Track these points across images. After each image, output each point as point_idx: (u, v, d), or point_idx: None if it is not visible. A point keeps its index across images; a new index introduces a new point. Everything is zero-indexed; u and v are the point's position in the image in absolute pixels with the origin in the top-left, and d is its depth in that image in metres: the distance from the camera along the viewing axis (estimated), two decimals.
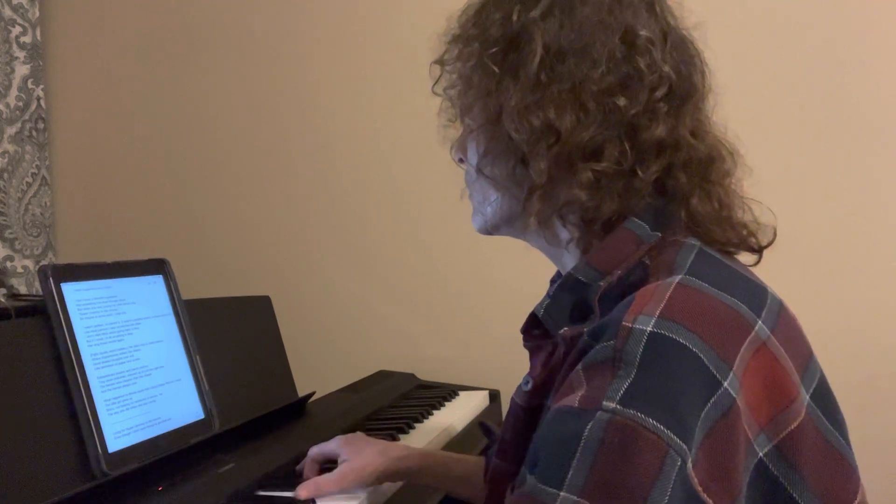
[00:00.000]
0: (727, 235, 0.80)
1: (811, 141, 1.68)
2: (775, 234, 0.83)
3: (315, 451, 1.08)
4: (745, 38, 1.68)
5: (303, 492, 0.96)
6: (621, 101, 0.74)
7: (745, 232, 0.81)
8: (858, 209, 1.66)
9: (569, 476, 0.61)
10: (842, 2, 1.66)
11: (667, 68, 0.76)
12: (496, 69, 0.76)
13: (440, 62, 0.83)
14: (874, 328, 1.65)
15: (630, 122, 0.74)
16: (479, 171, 0.81)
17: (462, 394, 1.68)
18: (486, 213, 0.84)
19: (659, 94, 0.75)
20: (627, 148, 0.75)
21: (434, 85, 0.85)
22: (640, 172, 0.75)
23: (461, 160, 0.86)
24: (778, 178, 1.64)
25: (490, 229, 0.85)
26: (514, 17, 0.76)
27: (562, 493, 0.61)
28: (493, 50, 0.77)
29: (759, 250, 0.82)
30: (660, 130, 0.75)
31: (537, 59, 0.74)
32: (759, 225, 0.82)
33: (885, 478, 1.56)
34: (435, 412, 1.50)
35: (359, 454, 1.03)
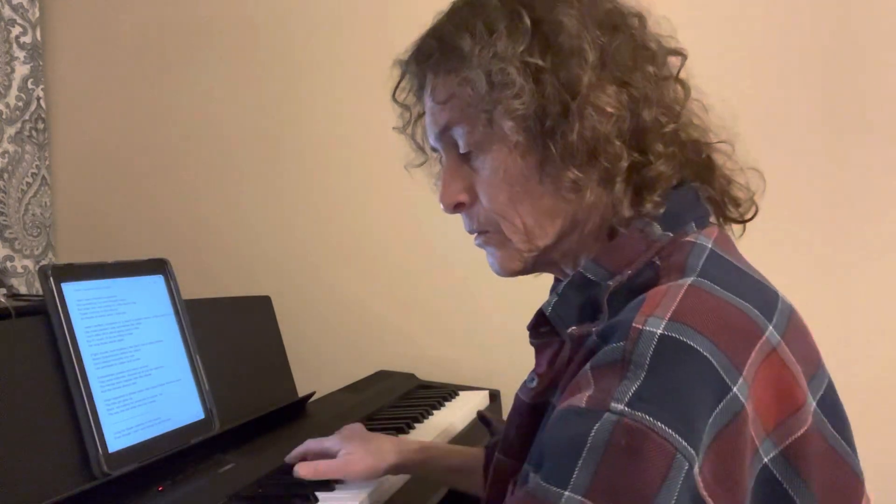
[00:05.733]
0: (729, 210, 0.81)
1: (815, 142, 1.68)
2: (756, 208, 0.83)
3: (313, 444, 1.08)
4: (746, 37, 1.68)
5: (301, 469, 0.97)
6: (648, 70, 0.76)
7: (748, 205, 0.82)
8: (862, 211, 1.66)
9: (574, 476, 0.60)
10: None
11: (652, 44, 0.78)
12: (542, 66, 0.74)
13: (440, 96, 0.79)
14: (878, 333, 1.65)
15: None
16: (515, 192, 0.77)
17: (462, 394, 1.68)
18: (526, 242, 0.79)
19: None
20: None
21: (435, 129, 0.81)
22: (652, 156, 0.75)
23: (461, 203, 0.82)
24: (782, 181, 1.64)
25: (538, 256, 0.80)
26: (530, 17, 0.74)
27: (566, 493, 0.60)
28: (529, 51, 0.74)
29: (743, 221, 0.83)
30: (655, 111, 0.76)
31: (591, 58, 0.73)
32: (752, 192, 0.82)
33: (888, 482, 1.56)
34: (435, 412, 1.49)
35: (359, 449, 1.03)
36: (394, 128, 0.90)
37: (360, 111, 1.89)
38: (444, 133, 0.80)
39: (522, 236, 0.79)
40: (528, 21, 0.73)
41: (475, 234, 0.84)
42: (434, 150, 0.86)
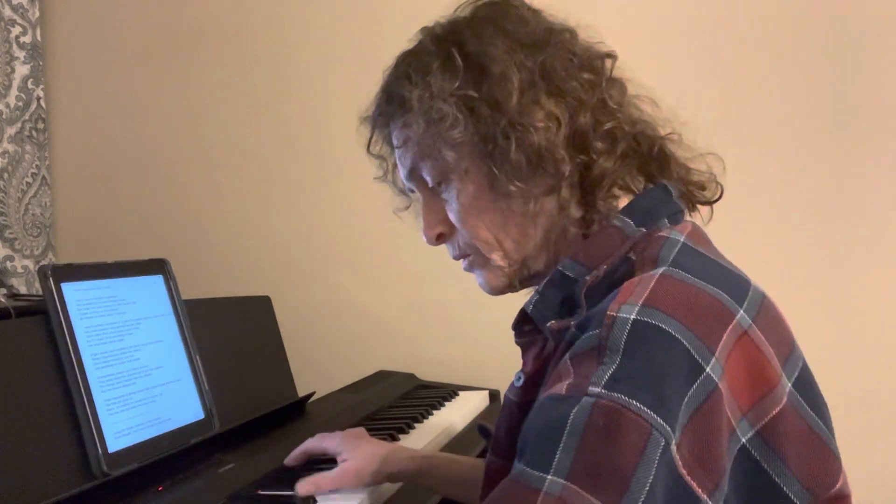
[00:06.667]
0: (696, 194, 0.84)
1: (811, 144, 1.68)
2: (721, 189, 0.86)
3: (314, 444, 1.09)
4: (747, 38, 1.68)
5: (301, 488, 0.98)
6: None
7: (713, 188, 0.86)
8: (863, 212, 1.66)
9: (555, 460, 0.61)
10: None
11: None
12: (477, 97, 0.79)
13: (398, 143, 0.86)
14: (874, 332, 1.65)
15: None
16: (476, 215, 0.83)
17: (462, 394, 1.68)
18: (503, 257, 0.84)
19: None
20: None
21: (405, 172, 0.87)
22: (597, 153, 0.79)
23: (441, 234, 0.87)
24: (783, 182, 1.64)
25: (520, 269, 0.85)
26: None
27: (549, 477, 0.61)
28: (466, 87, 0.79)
29: (708, 202, 0.86)
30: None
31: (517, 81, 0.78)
32: (714, 175, 0.86)
33: (882, 478, 1.56)
34: (435, 412, 1.50)
35: (358, 454, 1.04)
36: (375, 178, 0.97)
37: (359, 112, 1.89)
38: (413, 174, 0.87)
39: (499, 252, 0.84)
40: (459, 59, 0.80)
41: (462, 261, 0.89)
42: (412, 191, 0.92)
